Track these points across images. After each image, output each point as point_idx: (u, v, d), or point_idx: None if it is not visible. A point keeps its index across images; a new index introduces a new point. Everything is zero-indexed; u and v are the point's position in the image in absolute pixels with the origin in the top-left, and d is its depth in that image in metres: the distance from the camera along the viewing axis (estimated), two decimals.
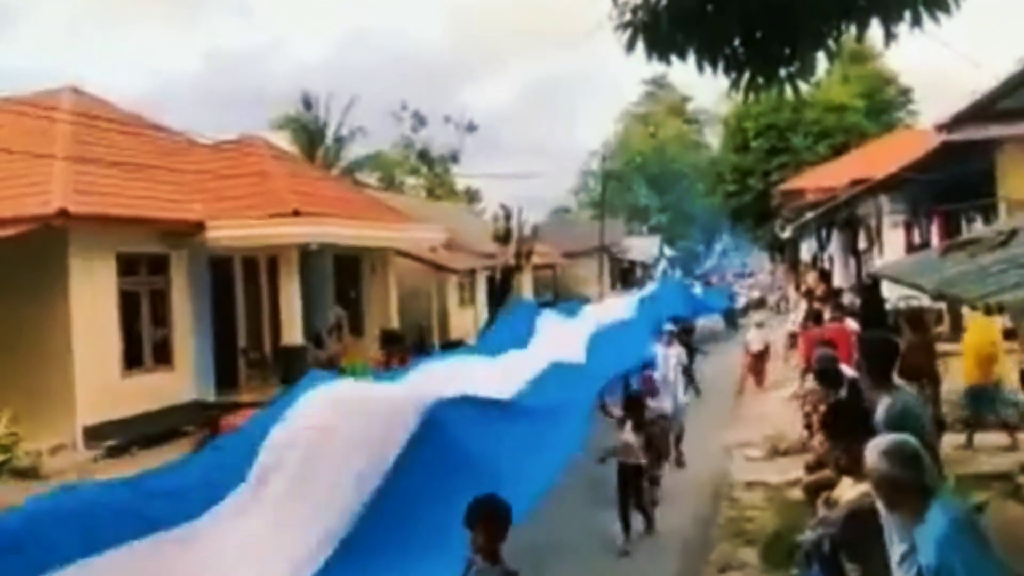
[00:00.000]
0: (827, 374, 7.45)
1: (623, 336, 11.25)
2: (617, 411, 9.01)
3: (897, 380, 5.57)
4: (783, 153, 34.54)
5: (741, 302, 34.91)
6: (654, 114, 69.21)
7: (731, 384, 17.00)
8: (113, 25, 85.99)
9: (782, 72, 4.89)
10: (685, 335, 15.71)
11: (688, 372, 16.23)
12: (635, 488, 8.56)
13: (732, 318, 29.88)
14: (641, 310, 14.87)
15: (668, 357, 11.28)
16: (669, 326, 12.10)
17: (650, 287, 18.46)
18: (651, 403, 9.42)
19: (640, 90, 70.63)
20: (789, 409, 12.99)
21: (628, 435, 8.57)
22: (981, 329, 10.10)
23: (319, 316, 18.64)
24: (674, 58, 4.82)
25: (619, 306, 15.47)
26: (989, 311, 4.59)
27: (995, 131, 11.18)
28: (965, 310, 10.49)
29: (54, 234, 13.59)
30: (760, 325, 17.85)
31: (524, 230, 30.37)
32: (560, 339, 10.31)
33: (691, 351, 16.10)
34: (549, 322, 11.63)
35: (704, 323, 28.65)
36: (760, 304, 38.86)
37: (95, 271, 14.43)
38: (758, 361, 16.98)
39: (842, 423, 4.84)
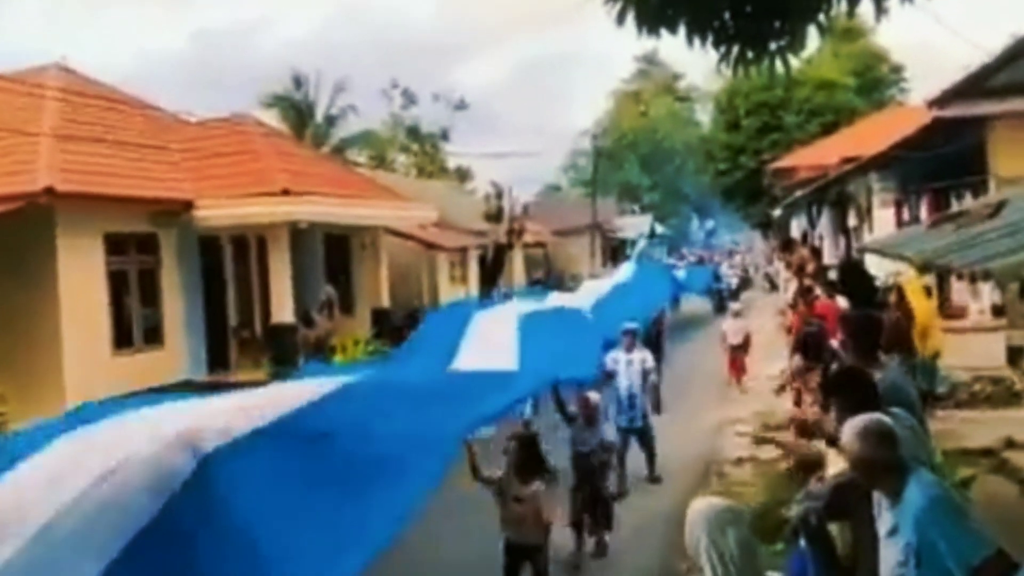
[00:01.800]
0: (808, 346, 7.48)
1: (563, 333, 8.00)
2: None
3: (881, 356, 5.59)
4: (774, 131, 34.52)
5: (731, 283, 34.16)
6: (645, 92, 68.96)
7: (714, 379, 15.95)
8: (100, 4, 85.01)
9: (772, 46, 4.87)
10: (656, 328, 14.75)
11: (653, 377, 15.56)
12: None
13: (720, 301, 29.06)
14: (604, 306, 11.88)
15: (630, 365, 9.71)
16: (630, 324, 10.08)
17: (623, 271, 15.62)
18: (585, 433, 7.71)
19: (631, 68, 70.38)
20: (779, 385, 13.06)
21: (520, 493, 6.17)
22: (920, 303, 10.22)
23: (309, 295, 18.60)
24: (664, 32, 4.78)
25: (590, 296, 12.91)
26: (974, 280, 4.60)
27: (986, 108, 11.17)
28: (905, 282, 10.57)
29: (41, 213, 13.50)
30: (738, 314, 16.61)
31: (515, 208, 30.31)
32: (490, 342, 7.40)
33: (658, 350, 14.67)
34: (485, 321, 8.22)
35: (689, 307, 28.20)
36: (745, 284, 38.76)
37: (83, 250, 14.35)
38: (737, 354, 15.71)
39: (847, 389, 4.71)
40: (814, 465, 5.66)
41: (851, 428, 3.58)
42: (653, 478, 10.04)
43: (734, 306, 17.78)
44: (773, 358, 16.14)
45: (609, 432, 8.36)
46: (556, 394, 7.68)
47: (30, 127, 14.96)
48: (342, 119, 41.12)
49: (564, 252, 40.05)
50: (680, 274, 28.32)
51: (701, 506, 3.57)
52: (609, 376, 9.61)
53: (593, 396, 7.73)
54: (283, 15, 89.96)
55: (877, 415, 3.68)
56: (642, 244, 51.44)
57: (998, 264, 3.78)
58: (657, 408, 10.68)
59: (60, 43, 73.56)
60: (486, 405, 4.94)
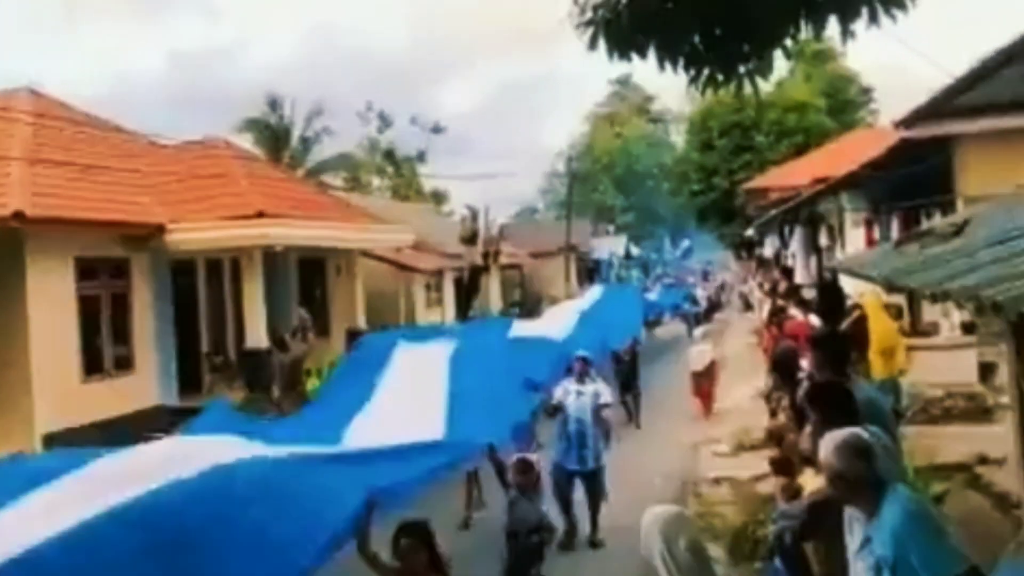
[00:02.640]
0: (782, 365, 7.53)
1: (503, 374, 6.31)
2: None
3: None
4: (747, 152, 34.86)
5: (702, 303, 34.37)
6: (620, 114, 69.58)
7: (682, 404, 15.52)
8: (73, 24, 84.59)
9: (741, 69, 4.94)
10: (625, 361, 14.51)
11: (627, 402, 14.60)
12: None
13: (695, 322, 28.30)
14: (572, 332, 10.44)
15: (580, 396, 8.62)
16: (580, 352, 8.89)
17: (591, 294, 14.31)
18: (523, 506, 6.33)
19: (606, 90, 71.05)
20: (755, 405, 13.13)
21: None
22: (882, 323, 10.35)
23: (284, 319, 18.47)
24: (635, 56, 4.84)
25: (557, 321, 11.40)
26: (935, 299, 4.64)
27: (952, 127, 11.33)
28: (866, 302, 10.70)
29: (10, 237, 13.32)
30: (703, 339, 15.96)
31: (491, 230, 30.35)
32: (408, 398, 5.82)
33: (632, 378, 14.88)
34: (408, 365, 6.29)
35: (665, 330, 28.56)
36: (719, 305, 38.95)
37: (53, 275, 14.16)
38: (701, 381, 14.95)
39: (825, 403, 4.70)
40: (789, 466, 5.68)
41: (829, 443, 3.58)
42: (594, 541, 8.51)
43: (697, 332, 17.13)
44: (748, 378, 16.24)
45: (551, 508, 7.20)
46: (492, 455, 6.54)
47: (0, 151, 14.80)
48: (318, 142, 41.15)
49: (540, 274, 40.15)
50: (652, 296, 28.70)
51: (654, 513, 3.63)
52: (556, 409, 8.61)
53: (531, 458, 6.27)
54: (259, 37, 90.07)
55: (855, 430, 3.69)
56: (615, 266, 51.46)
57: (956, 285, 3.84)
58: (607, 440, 8.97)
59: (34, 63, 73.05)
60: (384, 482, 3.93)
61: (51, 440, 13.44)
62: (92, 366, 14.89)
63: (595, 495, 8.62)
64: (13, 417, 13.18)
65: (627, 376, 14.83)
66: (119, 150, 18.27)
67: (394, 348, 6.05)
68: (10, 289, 13.60)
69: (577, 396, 8.66)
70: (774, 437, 7.45)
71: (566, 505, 8.46)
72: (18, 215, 13.12)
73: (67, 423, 13.58)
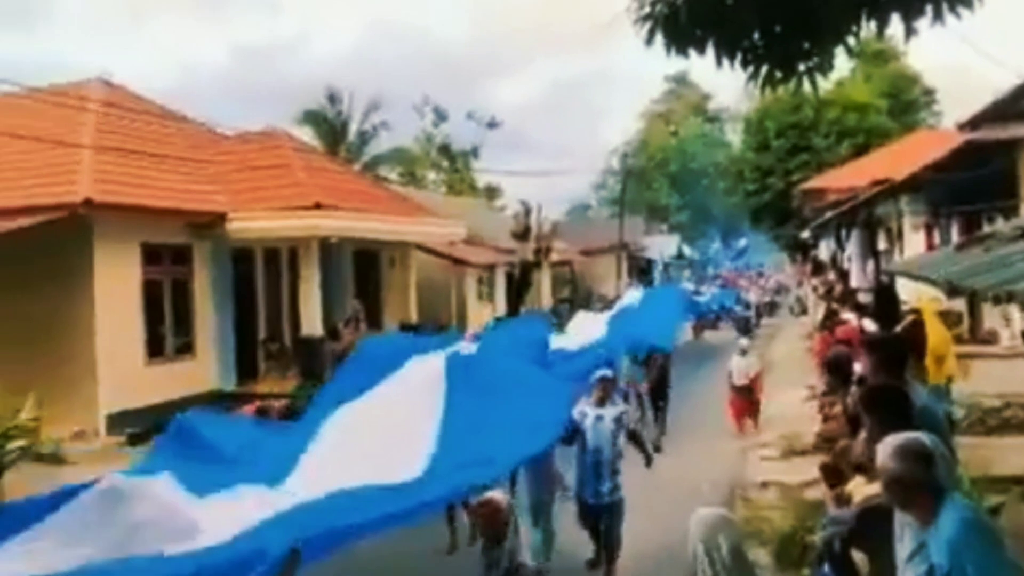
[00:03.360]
0: (836, 369, 7.44)
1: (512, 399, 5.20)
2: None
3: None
4: (804, 152, 34.29)
5: (757, 307, 33.16)
6: (675, 112, 68.95)
7: (720, 420, 14.10)
8: (141, 19, 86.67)
9: (801, 67, 4.90)
10: (658, 367, 13.59)
11: (659, 405, 13.63)
12: None
13: (746, 326, 27.75)
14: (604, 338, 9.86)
15: (599, 421, 7.57)
16: (602, 371, 7.86)
17: (630, 297, 13.20)
18: (494, 553, 5.07)
19: (662, 88, 70.49)
20: (805, 409, 12.98)
21: None
22: (935, 329, 10.13)
23: (338, 308, 18.78)
24: (693, 52, 4.84)
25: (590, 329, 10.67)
26: (998, 301, 4.55)
27: (1018, 131, 11.08)
28: (923, 308, 10.47)
29: (80, 223, 13.79)
30: (744, 352, 14.35)
31: (544, 227, 30.39)
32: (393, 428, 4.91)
33: (662, 387, 13.76)
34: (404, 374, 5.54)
35: (716, 335, 27.19)
36: (773, 307, 38.13)
37: (119, 260, 14.62)
38: (742, 397, 13.73)
39: (883, 407, 4.60)
40: (839, 472, 5.62)
41: (888, 447, 3.50)
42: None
43: (742, 341, 15.43)
44: (798, 382, 16.03)
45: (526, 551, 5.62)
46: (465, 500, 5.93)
47: (72, 139, 15.31)
48: (374, 136, 41.60)
49: (591, 271, 40.07)
50: (702, 298, 27.36)
51: (698, 515, 3.65)
52: (574, 434, 7.46)
53: (497, 497, 5.12)
54: (320, 32, 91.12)
55: (915, 434, 3.59)
56: (666, 265, 50.71)
57: (1020, 286, 3.76)
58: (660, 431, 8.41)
59: (102, 57, 75.24)
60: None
61: (113, 421, 13.90)
62: (154, 350, 15.34)
63: (609, 534, 7.65)
64: (78, 397, 13.64)
65: (658, 384, 13.86)
66: (184, 140, 18.75)
67: (395, 359, 5.33)
68: (79, 273, 14.07)
69: (596, 421, 7.58)
70: (826, 442, 7.38)
71: (593, 534, 7.81)
72: (88, 201, 13.58)
73: (129, 405, 14.03)
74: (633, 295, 13.59)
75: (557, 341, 8.77)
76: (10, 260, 13.33)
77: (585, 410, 7.62)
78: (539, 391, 5.25)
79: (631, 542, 7.82)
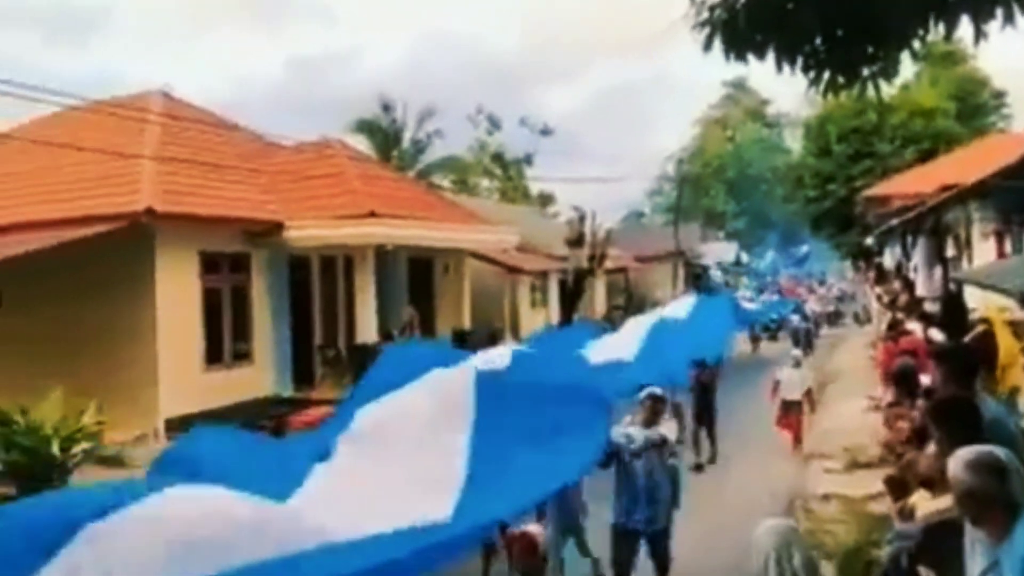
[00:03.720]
0: (903, 379, 7.20)
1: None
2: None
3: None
4: (867, 158, 33.55)
5: (817, 318, 31.23)
6: (733, 117, 68.18)
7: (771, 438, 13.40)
8: (198, 32, 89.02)
9: (864, 72, 4.75)
10: (702, 384, 12.79)
11: (709, 428, 12.93)
12: None
13: (804, 338, 26.32)
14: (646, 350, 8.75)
15: (649, 446, 7.12)
16: (650, 389, 7.30)
17: (677, 305, 12.63)
18: None
19: (719, 93, 69.74)
20: (868, 420, 12.63)
21: None
22: (1004, 339, 9.73)
23: (393, 315, 18.91)
24: (752, 58, 4.72)
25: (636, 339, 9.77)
26: None
27: None
28: (992, 317, 10.05)
29: (141, 232, 14.12)
30: (798, 364, 13.80)
31: (598, 234, 30.24)
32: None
33: (708, 402, 13.07)
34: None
35: (773, 347, 25.82)
36: (836, 317, 36.97)
37: (179, 268, 14.93)
38: (792, 413, 13.17)
39: (954, 419, 4.43)
40: (905, 485, 5.43)
41: (961, 459, 3.41)
42: None
43: (794, 353, 14.72)
44: (861, 392, 15.62)
45: None
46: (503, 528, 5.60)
47: (133, 150, 15.70)
48: (428, 144, 41.94)
49: (646, 279, 39.73)
50: (752, 306, 25.74)
51: (768, 526, 3.55)
52: (612, 457, 6.94)
53: (533, 530, 4.83)
54: (374, 43, 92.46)
55: (989, 447, 3.49)
56: (720, 273, 49.22)
57: None
58: (676, 501, 8.19)
59: (160, 70, 77.22)
60: None
61: (172, 425, 14.18)
62: (213, 356, 15.61)
63: (662, 559, 7.30)
64: (139, 402, 13.94)
65: (703, 402, 13.06)
66: (241, 150, 19.10)
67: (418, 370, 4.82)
68: (141, 281, 14.40)
69: (644, 442, 7.12)
70: (893, 453, 7.15)
71: (623, 570, 7.21)
72: (149, 211, 13.90)
73: (188, 409, 14.29)
74: (681, 303, 12.77)
75: (597, 352, 8.05)
76: (75, 268, 13.71)
77: (631, 433, 7.12)
78: (576, 407, 4.68)
79: (684, 561, 7.58)
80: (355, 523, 3.42)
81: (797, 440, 13.09)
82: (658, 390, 7.40)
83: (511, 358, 4.93)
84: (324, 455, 4.19)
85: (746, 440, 13.64)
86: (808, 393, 13.30)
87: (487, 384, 4.54)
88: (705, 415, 13.09)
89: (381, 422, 4.42)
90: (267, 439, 6.27)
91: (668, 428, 7.41)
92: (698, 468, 12.36)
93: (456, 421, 4.28)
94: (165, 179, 15.31)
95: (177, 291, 14.82)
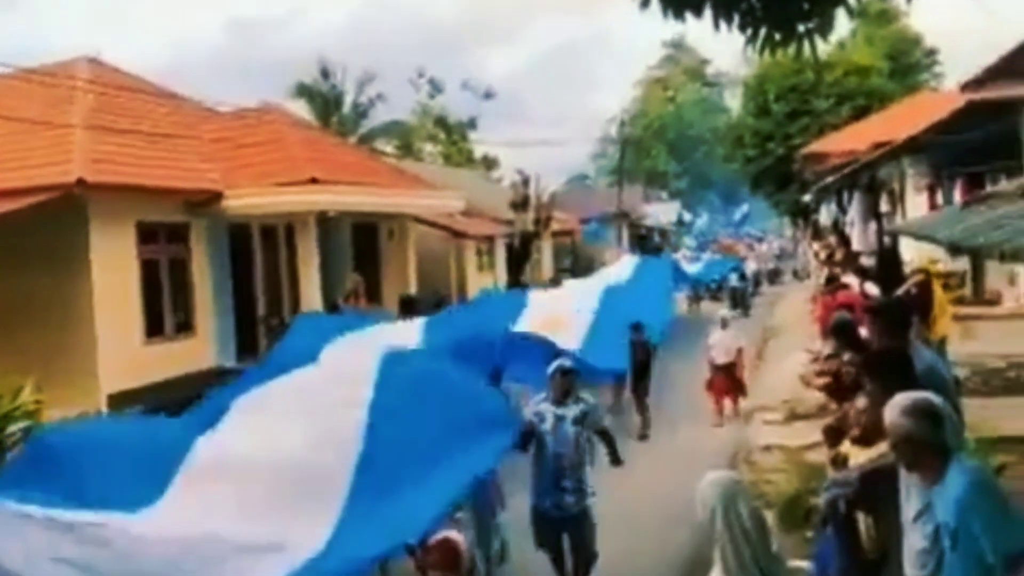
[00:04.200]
0: (841, 332, 7.38)
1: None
2: None
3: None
4: (805, 116, 34.03)
5: (756, 275, 31.44)
6: (673, 78, 68.46)
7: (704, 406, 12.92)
8: None
9: (800, 29, 4.79)
10: (639, 347, 11.76)
11: (639, 393, 12.23)
12: None
13: (741, 298, 26.37)
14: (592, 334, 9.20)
15: (561, 423, 6.54)
16: (560, 362, 6.87)
17: (619, 267, 11.89)
18: None
19: (659, 54, 69.90)
20: (807, 373, 12.96)
21: None
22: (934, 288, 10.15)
23: (338, 283, 18.72)
24: (690, 15, 4.72)
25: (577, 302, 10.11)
26: (1003, 259, 4.51)
27: (1020, 90, 10.95)
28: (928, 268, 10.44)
29: (73, 203, 13.67)
30: (726, 324, 13.21)
31: (542, 197, 30.25)
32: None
33: (645, 370, 12.22)
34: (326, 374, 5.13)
35: (712, 307, 25.41)
36: (776, 274, 37.78)
37: (115, 240, 14.53)
38: (723, 377, 12.63)
39: (886, 370, 4.55)
40: (842, 435, 5.60)
41: (898, 405, 3.52)
42: None
43: (723, 313, 14.03)
44: (800, 346, 15.99)
45: None
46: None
47: (62, 120, 15.16)
48: (370, 109, 41.35)
49: (593, 240, 39.96)
50: (692, 269, 25.63)
51: (713, 479, 3.64)
52: (528, 439, 6.40)
53: (453, 536, 4.37)
54: (313, 5, 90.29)
55: (925, 393, 3.61)
56: (663, 233, 49.30)
57: (1022, 243, 3.72)
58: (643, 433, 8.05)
59: (94, 35, 74.57)
60: None
61: (115, 401, 13.90)
62: (153, 329, 15.30)
63: (580, 548, 6.68)
64: (78, 378, 13.60)
65: (640, 369, 12.26)
66: (177, 117, 18.58)
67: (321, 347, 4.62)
68: (75, 254, 13.99)
69: (556, 423, 6.53)
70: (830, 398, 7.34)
71: (555, 556, 6.77)
72: (81, 182, 13.46)
73: (130, 384, 14.01)
74: (624, 265, 12.52)
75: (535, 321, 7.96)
76: (5, 243, 13.24)
77: (542, 410, 6.60)
78: (477, 407, 4.64)
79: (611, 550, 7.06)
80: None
81: (733, 401, 12.65)
82: (567, 363, 6.88)
83: (422, 334, 4.82)
84: (211, 424, 4.08)
85: (684, 409, 13.09)
86: (739, 354, 12.82)
87: (391, 371, 4.37)
88: (640, 383, 12.45)
89: (272, 407, 4.24)
90: (153, 421, 6.02)
91: (581, 406, 6.68)
92: (642, 438, 12.00)
93: (354, 412, 4.10)
94: (98, 149, 14.83)
95: (114, 263, 14.43)
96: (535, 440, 6.54)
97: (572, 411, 6.60)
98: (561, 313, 9.63)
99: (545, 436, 6.53)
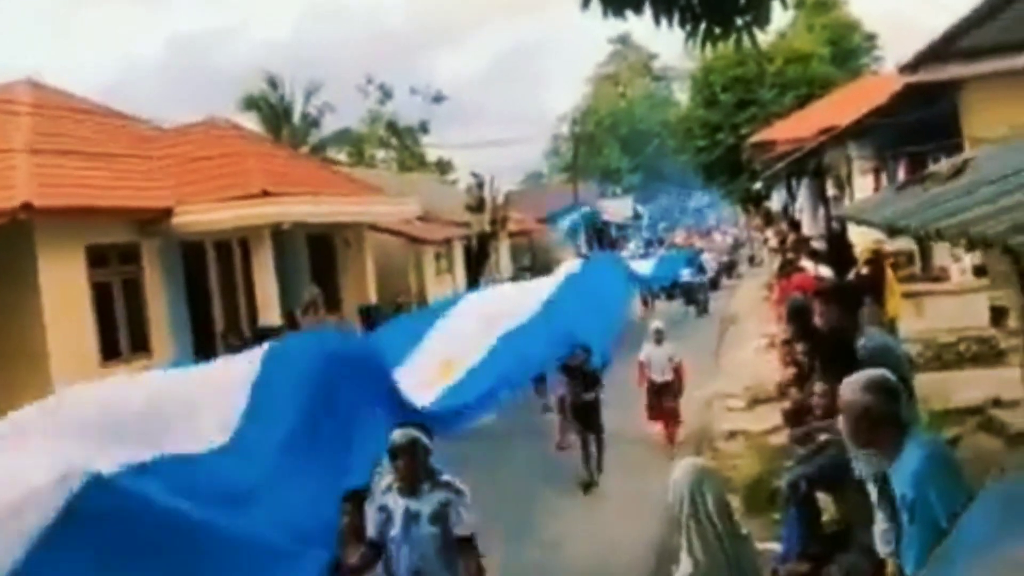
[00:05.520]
0: (799, 313, 7.51)
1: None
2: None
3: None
4: (751, 106, 34.47)
5: (710, 270, 28.78)
6: (622, 74, 68.99)
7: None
8: (73, 12, 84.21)
9: (738, 21, 4.88)
10: (575, 371, 9.77)
11: (589, 429, 9.89)
12: None
13: (697, 298, 24.00)
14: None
15: (412, 523, 4.59)
16: (405, 432, 4.61)
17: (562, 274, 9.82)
18: None
19: (607, 50, 70.38)
20: (766, 358, 13.19)
21: None
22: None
23: (295, 295, 18.57)
24: (630, 13, 4.79)
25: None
26: (928, 238, 4.67)
27: (957, 71, 11.20)
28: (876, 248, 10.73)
29: (19, 229, 13.39)
30: (660, 338, 11.25)
31: (498, 198, 30.30)
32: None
33: (591, 405, 9.94)
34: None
35: (667, 307, 24.20)
36: (731, 267, 37.38)
37: (65, 264, 14.26)
38: (664, 397, 10.89)
39: (826, 356, 4.71)
40: (801, 414, 5.74)
41: (855, 382, 3.57)
42: None
43: (655, 326, 11.71)
44: (758, 332, 16.26)
45: None
46: None
47: (3, 143, 14.84)
48: (320, 118, 41.07)
49: (549, 239, 40.09)
50: (644, 269, 21.79)
51: (683, 464, 3.73)
52: (376, 554, 4.68)
53: None
54: (256, 18, 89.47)
55: (880, 370, 3.67)
56: (578, 234, 40.15)
57: (950, 222, 3.84)
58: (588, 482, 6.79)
59: (33, 52, 72.98)
60: None
61: None
62: (109, 351, 15.05)
63: None
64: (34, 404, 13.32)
65: (582, 409, 10.00)
66: (122, 136, 18.30)
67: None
68: (24, 280, 13.70)
69: (408, 522, 4.58)
70: (788, 387, 7.50)
71: None
72: (26, 206, 13.19)
73: None
74: (564, 272, 9.98)
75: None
76: None
77: (389, 504, 4.64)
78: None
79: None
80: None
81: (671, 433, 10.98)
82: (414, 432, 4.58)
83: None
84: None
85: (627, 437, 11.04)
86: (677, 373, 11.05)
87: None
88: (587, 422, 10.04)
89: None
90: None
91: (443, 494, 4.60)
92: (587, 487, 9.76)
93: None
94: (43, 172, 14.53)
95: (64, 288, 14.16)
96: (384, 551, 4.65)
97: (429, 504, 4.58)
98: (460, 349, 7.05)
99: (394, 545, 4.60)
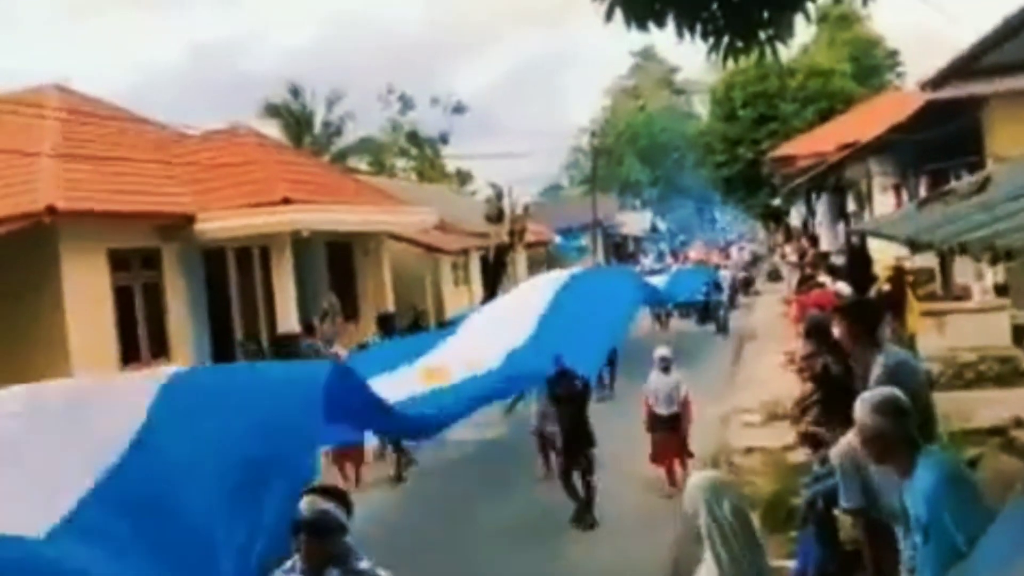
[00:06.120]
0: (816, 332, 7.46)
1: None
2: None
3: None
4: (772, 121, 34.43)
5: (726, 288, 26.31)
6: (643, 87, 69.01)
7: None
8: (97, 18, 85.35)
9: (761, 36, 4.89)
10: (566, 400, 9.12)
11: (578, 459, 8.96)
12: None
13: (714, 315, 23.28)
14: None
15: None
16: (307, 508, 3.50)
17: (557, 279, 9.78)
18: None
19: (628, 63, 70.43)
20: (785, 373, 13.09)
21: None
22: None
23: (314, 303, 18.67)
24: (653, 26, 4.81)
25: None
26: (952, 252, 4.65)
27: (979, 88, 11.16)
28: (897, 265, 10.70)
29: (44, 232, 13.55)
30: (667, 366, 10.11)
31: (516, 208, 30.32)
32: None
33: (577, 433, 9.03)
34: None
35: (684, 324, 23.42)
36: (747, 284, 36.29)
37: (87, 268, 14.41)
38: (669, 434, 9.81)
39: (835, 402, 4.72)
40: (819, 441, 5.70)
41: (867, 403, 3.57)
42: None
43: (660, 352, 10.33)
44: (776, 348, 16.13)
45: None
46: None
47: (31, 147, 15.03)
48: (341, 127, 41.35)
49: (568, 250, 40.13)
50: (656, 282, 20.58)
51: (699, 478, 3.71)
52: None
53: None
54: (277, 26, 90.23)
55: (889, 389, 3.67)
56: (586, 248, 40.97)
57: (972, 237, 3.82)
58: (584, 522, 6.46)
59: (59, 59, 73.99)
60: None
61: None
62: (129, 355, 15.16)
63: None
64: None
65: (572, 428, 9.14)
66: (146, 141, 18.48)
67: None
68: (47, 282, 13.86)
69: None
70: (800, 406, 7.45)
71: None
72: (51, 209, 13.35)
73: None
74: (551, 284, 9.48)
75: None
76: None
77: None
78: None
79: None
80: None
81: (679, 466, 9.81)
82: (325, 503, 3.54)
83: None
84: None
85: (622, 471, 10.11)
86: (685, 405, 10.02)
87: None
88: (575, 446, 9.14)
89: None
90: None
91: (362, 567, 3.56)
92: (589, 526, 8.89)
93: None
94: (67, 176, 14.72)
95: (86, 291, 14.31)
96: None
97: None
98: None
99: None
